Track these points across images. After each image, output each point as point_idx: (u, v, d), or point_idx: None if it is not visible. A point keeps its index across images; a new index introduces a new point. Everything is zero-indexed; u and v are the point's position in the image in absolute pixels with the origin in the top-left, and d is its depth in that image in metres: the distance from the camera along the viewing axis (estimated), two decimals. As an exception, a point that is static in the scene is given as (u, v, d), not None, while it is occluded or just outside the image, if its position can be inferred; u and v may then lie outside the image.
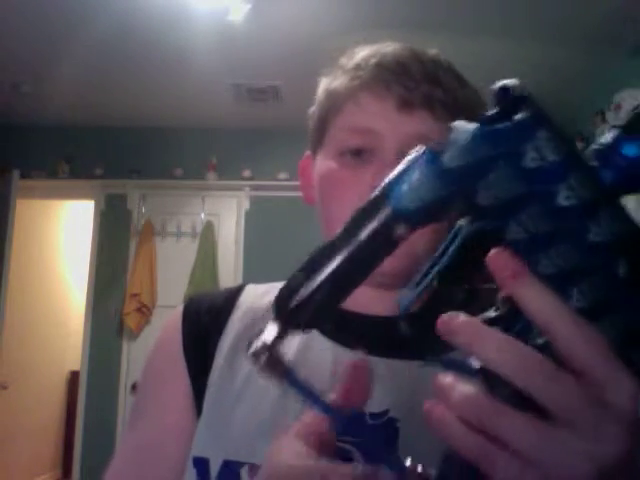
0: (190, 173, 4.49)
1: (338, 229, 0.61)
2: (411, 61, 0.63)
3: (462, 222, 0.34)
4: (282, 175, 4.40)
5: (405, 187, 0.34)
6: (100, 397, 4.20)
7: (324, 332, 0.64)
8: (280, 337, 0.36)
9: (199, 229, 4.41)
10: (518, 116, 0.33)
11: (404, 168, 0.35)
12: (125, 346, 4.26)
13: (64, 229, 5.60)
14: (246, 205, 4.50)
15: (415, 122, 0.62)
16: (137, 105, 4.26)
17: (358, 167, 0.62)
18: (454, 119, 0.59)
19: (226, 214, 4.47)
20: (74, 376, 5.21)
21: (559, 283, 0.32)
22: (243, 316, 0.69)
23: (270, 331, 0.36)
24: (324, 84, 0.69)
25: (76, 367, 4.80)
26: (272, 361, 0.36)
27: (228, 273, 4.32)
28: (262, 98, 4.06)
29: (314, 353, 0.63)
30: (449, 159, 0.34)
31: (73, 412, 4.64)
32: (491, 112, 0.34)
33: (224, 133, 4.51)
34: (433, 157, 0.34)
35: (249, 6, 3.05)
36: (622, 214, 0.33)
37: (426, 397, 0.56)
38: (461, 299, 0.67)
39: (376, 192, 0.36)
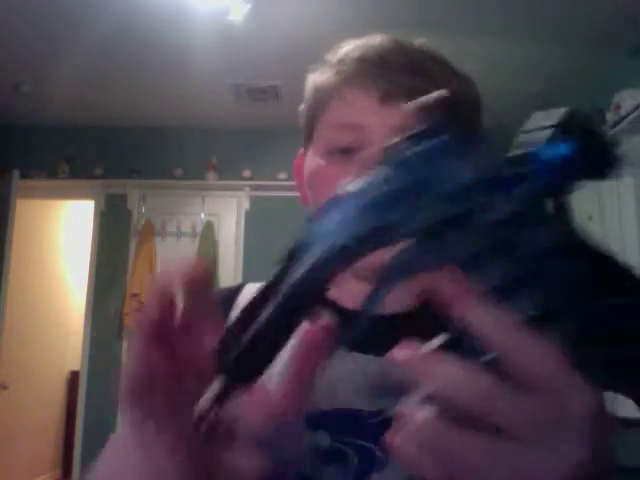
0: (190, 173, 4.49)
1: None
2: (395, 52, 0.62)
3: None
4: (282, 175, 4.40)
5: (330, 227, 0.33)
6: (100, 397, 4.20)
7: None
8: (223, 394, 0.33)
9: (199, 229, 4.41)
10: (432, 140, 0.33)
11: (326, 209, 0.35)
12: (125, 346, 4.26)
13: (64, 229, 5.61)
14: (246, 205, 4.50)
15: (398, 114, 0.60)
16: (137, 105, 4.26)
17: (346, 164, 0.61)
18: (442, 109, 0.58)
19: (226, 214, 4.47)
20: (74, 376, 5.21)
21: (506, 294, 0.31)
22: None
23: (212, 389, 0.33)
24: (311, 80, 0.69)
25: (76, 367, 4.80)
26: (215, 422, 0.34)
27: (228, 273, 4.32)
28: (262, 98, 4.06)
29: None
30: (368, 197, 0.34)
31: (73, 412, 4.64)
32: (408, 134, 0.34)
33: (224, 133, 4.51)
34: (353, 197, 0.34)
35: (249, 6, 3.05)
36: (556, 218, 0.33)
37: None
38: None
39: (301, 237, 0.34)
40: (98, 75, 3.81)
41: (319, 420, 0.58)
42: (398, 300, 0.63)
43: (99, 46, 3.41)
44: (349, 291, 0.63)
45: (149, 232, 4.40)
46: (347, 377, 0.60)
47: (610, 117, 3.49)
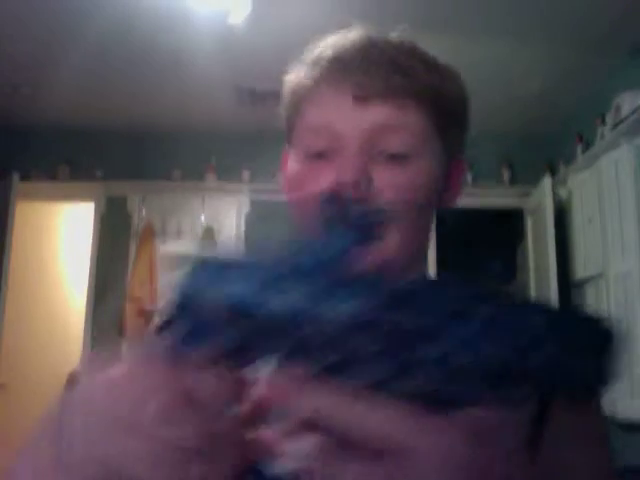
0: (190, 175, 4.49)
1: (309, 232, 0.59)
2: (368, 50, 0.60)
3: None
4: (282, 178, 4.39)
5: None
6: (100, 399, 4.19)
7: None
8: None
9: (199, 231, 4.41)
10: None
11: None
12: (124, 348, 4.26)
13: (64, 231, 5.60)
14: (246, 207, 4.50)
15: (374, 113, 0.58)
16: (137, 107, 4.26)
17: (323, 167, 0.60)
18: (420, 105, 0.58)
19: (226, 216, 4.47)
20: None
21: (336, 372, 0.33)
22: None
23: None
24: (287, 82, 0.67)
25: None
26: None
27: (228, 275, 4.31)
28: (262, 101, 4.06)
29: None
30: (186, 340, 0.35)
31: (73, 414, 4.63)
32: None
33: (224, 135, 4.50)
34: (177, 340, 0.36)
35: (249, 9, 3.05)
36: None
37: None
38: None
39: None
40: (98, 78, 3.81)
41: None
42: None
43: (99, 49, 3.41)
44: None
45: (149, 234, 4.40)
46: None
47: (610, 118, 3.50)
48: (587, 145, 3.88)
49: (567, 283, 3.95)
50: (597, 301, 3.63)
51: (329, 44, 0.63)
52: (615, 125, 3.37)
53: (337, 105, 0.59)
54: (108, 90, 4.00)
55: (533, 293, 4.32)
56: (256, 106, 4.14)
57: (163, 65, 3.62)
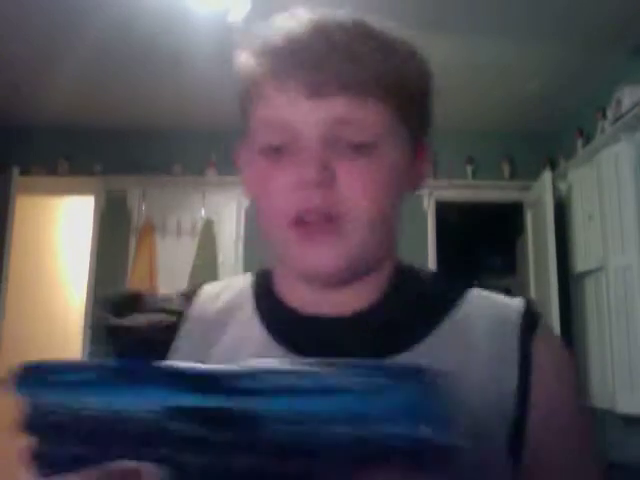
0: (190, 170, 4.48)
1: (269, 232, 0.59)
2: (316, 37, 0.56)
3: None
4: (282, 172, 4.39)
5: None
6: (100, 394, 4.20)
7: (275, 336, 0.60)
8: None
9: (199, 226, 4.41)
10: None
11: None
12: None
13: (64, 226, 5.60)
14: (246, 202, 4.50)
15: (328, 106, 0.55)
16: (137, 103, 4.25)
17: (281, 163, 0.57)
18: (379, 92, 0.56)
19: (226, 211, 4.47)
20: (74, 373, 5.21)
21: None
22: (189, 333, 0.64)
23: None
24: (237, 67, 0.64)
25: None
26: None
27: (229, 270, 4.32)
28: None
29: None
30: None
31: (73, 409, 4.64)
32: None
33: (224, 131, 4.48)
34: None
35: (249, 7, 3.04)
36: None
37: None
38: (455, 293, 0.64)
39: None
40: (99, 74, 3.80)
41: None
42: (354, 299, 0.61)
43: (99, 46, 3.40)
44: (299, 296, 0.62)
45: (149, 229, 4.40)
46: None
47: (611, 113, 3.49)
48: (587, 139, 3.88)
49: (567, 277, 3.96)
50: (597, 295, 3.64)
51: (277, 31, 0.58)
52: (616, 119, 3.37)
53: (290, 98, 0.56)
54: (109, 86, 3.99)
55: (533, 287, 4.32)
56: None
57: (163, 61, 3.61)
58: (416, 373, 0.33)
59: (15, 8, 3.11)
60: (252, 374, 0.34)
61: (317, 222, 0.55)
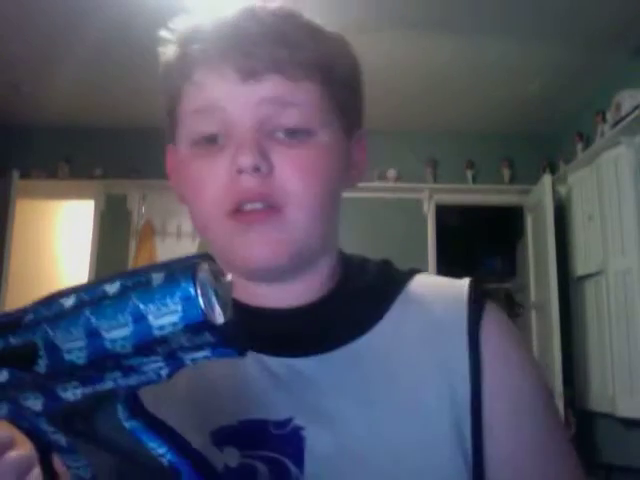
0: (190, 173, 4.49)
1: (207, 227, 0.57)
2: (248, 23, 0.55)
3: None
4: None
5: None
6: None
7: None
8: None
9: (199, 229, 4.41)
10: None
11: None
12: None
13: (64, 229, 5.60)
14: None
15: (263, 89, 0.54)
16: (137, 105, 4.25)
17: (215, 153, 0.55)
18: (312, 77, 0.55)
19: (226, 214, 4.47)
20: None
21: None
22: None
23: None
24: (162, 58, 0.62)
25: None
26: None
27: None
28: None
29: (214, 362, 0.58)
30: None
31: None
32: None
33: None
34: None
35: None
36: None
37: (327, 397, 0.54)
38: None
39: None
40: (98, 75, 3.81)
41: (225, 436, 0.53)
42: (296, 292, 0.59)
43: (99, 46, 3.40)
44: (245, 291, 0.59)
45: (149, 232, 4.40)
46: (252, 382, 0.55)
47: (610, 117, 3.50)
48: (587, 143, 3.88)
49: (567, 280, 3.96)
50: (597, 298, 3.64)
51: (205, 18, 0.57)
52: (615, 123, 3.37)
53: (223, 84, 0.55)
54: (108, 88, 4.00)
55: (533, 290, 4.32)
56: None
57: (163, 63, 3.62)
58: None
59: (15, 8, 3.11)
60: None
61: (256, 211, 0.54)
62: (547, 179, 4.04)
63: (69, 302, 0.31)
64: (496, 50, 3.43)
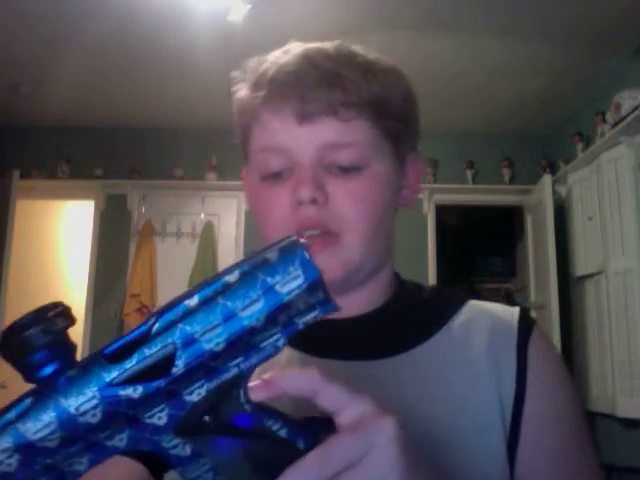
0: (190, 173, 4.49)
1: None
2: (305, 67, 0.61)
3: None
4: (282, 175, 4.39)
5: None
6: (100, 397, 4.19)
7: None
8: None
9: (199, 229, 4.41)
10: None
11: None
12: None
13: (64, 229, 5.60)
14: (246, 205, 4.51)
15: (318, 131, 0.60)
16: (137, 105, 4.26)
17: (279, 187, 0.62)
18: (364, 115, 0.60)
19: (226, 214, 4.47)
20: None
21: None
22: None
23: None
24: (235, 100, 0.69)
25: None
26: None
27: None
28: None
29: (281, 367, 0.61)
30: None
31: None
32: None
33: (224, 134, 4.49)
34: None
35: (249, 6, 3.05)
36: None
37: (386, 397, 0.56)
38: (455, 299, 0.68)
39: None
40: (98, 75, 3.81)
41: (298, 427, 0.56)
42: (358, 303, 0.65)
43: (99, 46, 3.41)
44: None
45: (149, 232, 4.40)
46: None
47: (610, 117, 3.50)
48: (587, 143, 3.89)
49: (567, 280, 3.96)
50: (597, 298, 3.64)
51: (269, 63, 0.64)
52: (615, 123, 3.37)
53: (282, 126, 0.61)
54: (108, 88, 4.00)
55: (533, 290, 4.32)
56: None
57: (163, 63, 3.62)
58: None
59: (15, 9, 3.12)
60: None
61: (315, 237, 0.60)
62: (547, 179, 4.04)
63: (194, 301, 0.35)
64: (496, 50, 3.43)
